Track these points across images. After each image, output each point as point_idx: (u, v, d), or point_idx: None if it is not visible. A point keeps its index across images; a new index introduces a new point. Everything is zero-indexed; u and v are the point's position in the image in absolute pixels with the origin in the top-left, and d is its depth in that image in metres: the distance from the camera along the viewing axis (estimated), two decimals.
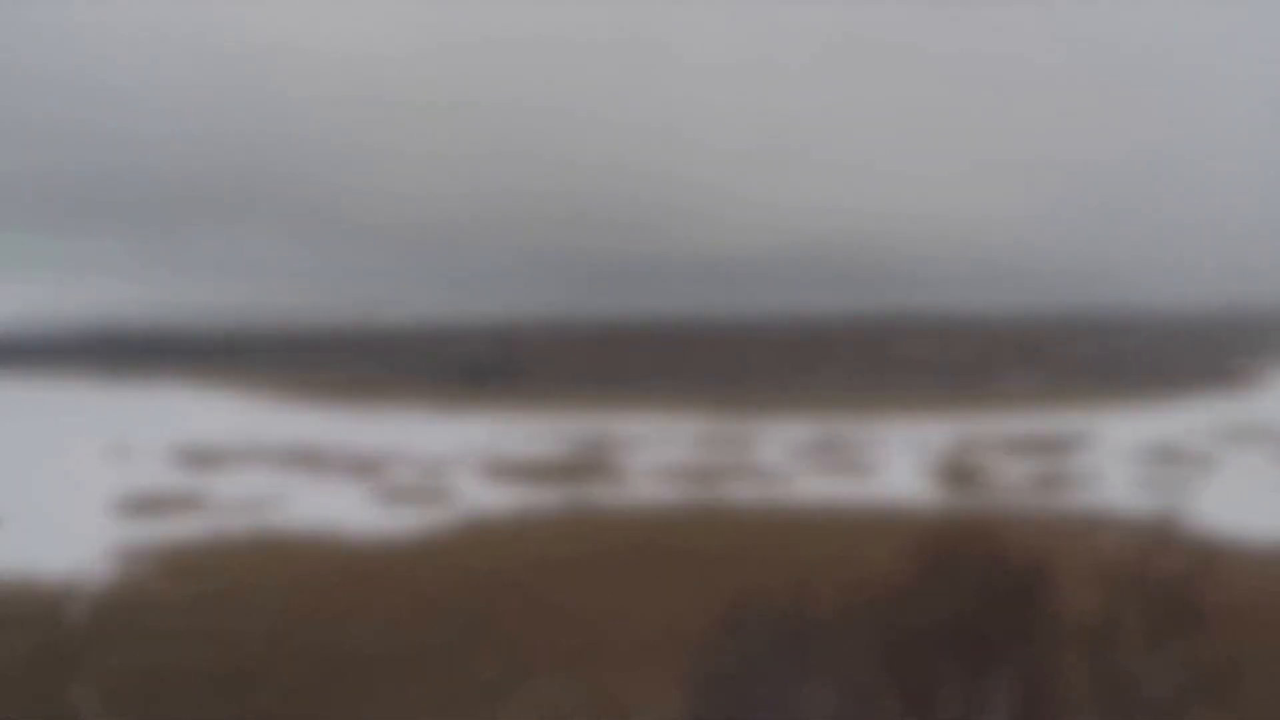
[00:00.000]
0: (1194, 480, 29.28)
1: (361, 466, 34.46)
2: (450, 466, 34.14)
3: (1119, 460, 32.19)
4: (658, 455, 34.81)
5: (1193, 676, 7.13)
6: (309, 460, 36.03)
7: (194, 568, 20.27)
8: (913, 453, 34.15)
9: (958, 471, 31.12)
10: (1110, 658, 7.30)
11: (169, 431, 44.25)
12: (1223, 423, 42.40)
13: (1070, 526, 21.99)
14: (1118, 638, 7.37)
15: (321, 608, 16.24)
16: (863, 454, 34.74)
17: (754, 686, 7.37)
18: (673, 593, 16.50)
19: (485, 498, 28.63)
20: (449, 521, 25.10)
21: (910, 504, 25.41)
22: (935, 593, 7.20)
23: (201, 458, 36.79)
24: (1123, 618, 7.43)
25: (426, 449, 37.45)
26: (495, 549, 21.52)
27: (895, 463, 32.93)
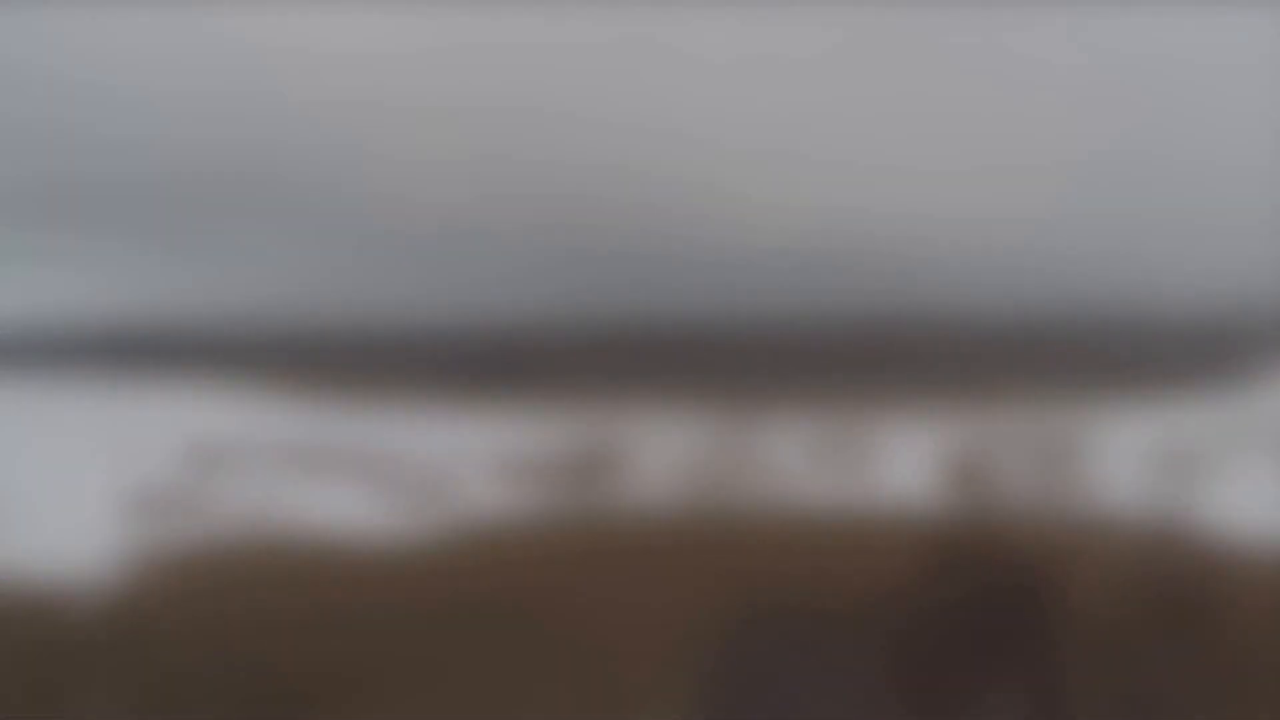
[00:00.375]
0: (1199, 481, 29.35)
1: (364, 467, 34.54)
2: (453, 467, 34.25)
3: (1124, 461, 32.31)
4: (661, 457, 34.93)
5: (1197, 676, 7.13)
6: (311, 460, 36.14)
7: (195, 567, 20.37)
8: (918, 454, 34.27)
9: (963, 473, 31.19)
10: (1115, 658, 7.29)
11: (171, 431, 44.34)
12: (1227, 423, 42.40)
13: (1075, 528, 22.12)
14: (1123, 638, 7.37)
15: (323, 608, 16.30)
16: (867, 455, 34.90)
17: (760, 688, 7.37)
18: (677, 595, 16.54)
19: (488, 499, 28.77)
20: (452, 522, 25.23)
21: (915, 505, 25.56)
22: (940, 594, 7.20)
23: (203, 457, 37.45)
24: (1128, 618, 7.43)
25: (429, 450, 37.58)
26: (497, 550, 21.60)
27: (900, 464, 33.09)
